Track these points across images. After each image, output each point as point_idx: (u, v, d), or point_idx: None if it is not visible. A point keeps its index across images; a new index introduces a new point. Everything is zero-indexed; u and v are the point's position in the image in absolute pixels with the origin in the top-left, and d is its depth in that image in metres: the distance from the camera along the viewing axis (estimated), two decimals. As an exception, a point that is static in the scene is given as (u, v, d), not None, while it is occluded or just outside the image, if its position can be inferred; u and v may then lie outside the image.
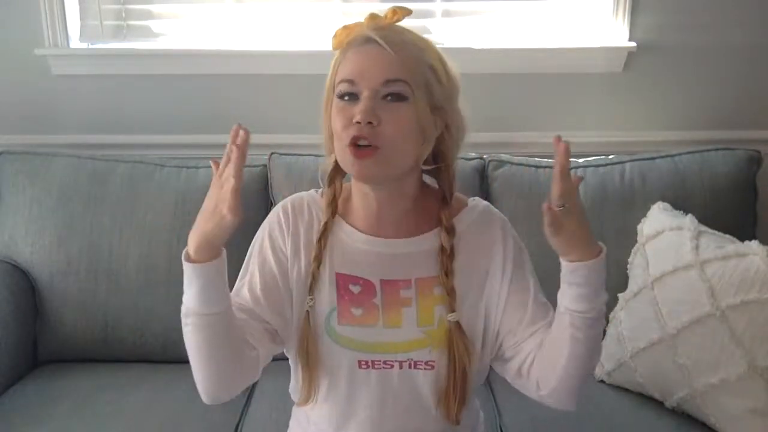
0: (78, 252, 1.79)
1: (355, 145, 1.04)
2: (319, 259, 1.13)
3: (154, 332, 1.78)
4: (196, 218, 1.04)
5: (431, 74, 1.08)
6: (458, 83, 1.13)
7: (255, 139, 2.17)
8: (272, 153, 1.86)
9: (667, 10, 1.99)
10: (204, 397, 1.10)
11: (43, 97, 2.10)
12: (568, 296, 1.05)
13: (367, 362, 1.14)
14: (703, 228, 1.61)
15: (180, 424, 1.54)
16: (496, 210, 1.21)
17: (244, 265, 1.19)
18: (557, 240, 1.03)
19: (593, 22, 2.04)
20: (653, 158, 1.83)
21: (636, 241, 1.70)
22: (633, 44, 1.99)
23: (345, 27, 1.12)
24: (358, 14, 2.09)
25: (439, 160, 1.14)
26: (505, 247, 1.16)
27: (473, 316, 1.14)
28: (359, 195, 1.15)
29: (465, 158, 1.82)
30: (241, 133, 1.01)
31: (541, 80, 2.05)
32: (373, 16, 1.11)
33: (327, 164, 1.15)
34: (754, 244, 1.49)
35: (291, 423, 1.28)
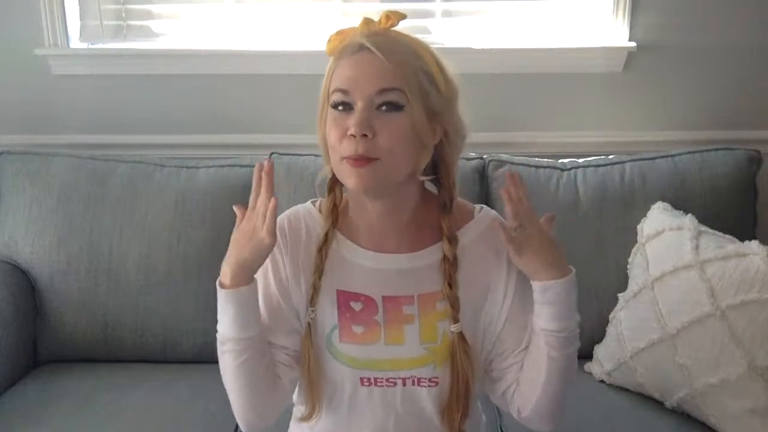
0: (78, 252, 1.79)
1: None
2: (320, 270, 1.11)
3: (154, 332, 1.78)
4: (229, 249, 1.07)
5: (427, 80, 1.05)
6: (457, 87, 1.10)
7: (255, 139, 2.20)
8: (272, 153, 1.86)
9: (667, 10, 1.99)
10: (241, 424, 1.14)
11: (43, 97, 2.10)
12: (541, 317, 1.09)
13: (369, 380, 1.13)
14: (703, 228, 1.61)
15: (180, 424, 1.54)
16: (503, 222, 1.17)
17: None
18: (521, 261, 1.09)
19: (593, 22, 2.04)
20: (653, 158, 1.82)
21: (636, 241, 1.69)
22: (633, 44, 1.99)
23: (339, 32, 1.10)
24: (358, 14, 2.10)
25: (439, 167, 1.12)
26: (509, 267, 1.13)
27: (470, 331, 1.13)
28: (358, 208, 1.12)
29: (465, 158, 1.82)
30: (266, 163, 1.05)
31: (541, 80, 2.05)
32: (367, 21, 1.08)
33: (325, 171, 1.13)
34: (754, 244, 1.49)
35: (291, 424, 1.28)
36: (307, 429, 1.20)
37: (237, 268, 1.05)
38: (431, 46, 1.10)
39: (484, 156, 1.86)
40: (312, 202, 1.18)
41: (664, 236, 1.63)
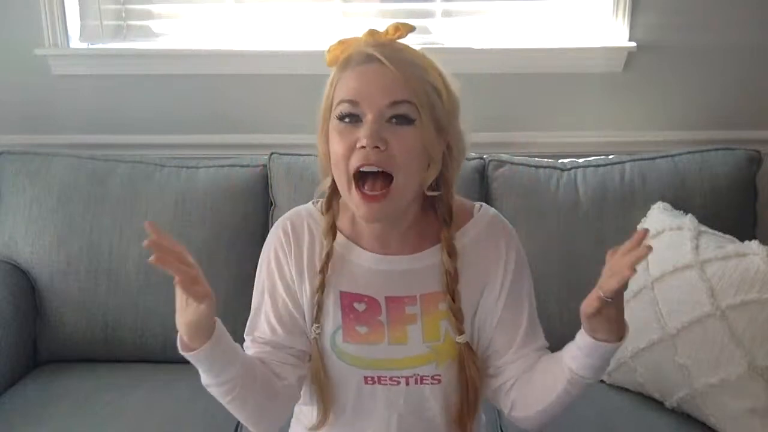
0: (78, 252, 1.79)
1: (363, 187, 1.01)
2: (322, 289, 1.11)
3: (154, 332, 1.78)
4: (176, 314, 1.00)
5: (435, 94, 1.04)
6: (458, 100, 1.09)
7: (255, 139, 2.20)
8: (272, 153, 1.86)
9: (667, 10, 1.99)
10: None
11: (43, 97, 2.10)
12: (577, 362, 1.05)
13: (373, 378, 1.13)
14: (703, 228, 1.61)
15: (180, 424, 1.54)
16: (502, 221, 1.18)
17: (255, 290, 1.17)
18: (591, 321, 1.01)
19: (593, 22, 2.04)
20: (653, 158, 1.82)
21: (636, 241, 1.69)
22: (633, 44, 1.99)
23: (341, 42, 1.08)
24: (358, 14, 2.11)
25: (438, 182, 1.09)
26: (507, 262, 1.13)
27: (468, 330, 1.13)
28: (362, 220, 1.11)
29: (465, 158, 1.81)
30: (147, 227, 0.96)
31: (541, 80, 2.05)
32: (372, 32, 1.06)
33: (324, 185, 1.12)
34: (754, 244, 1.49)
35: (291, 423, 1.28)
36: (308, 426, 1.20)
37: (188, 330, 0.99)
38: (433, 59, 1.08)
39: (484, 156, 1.86)
40: (313, 203, 1.18)
41: (664, 236, 1.63)
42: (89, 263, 1.78)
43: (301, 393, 1.17)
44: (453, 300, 1.10)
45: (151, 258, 0.91)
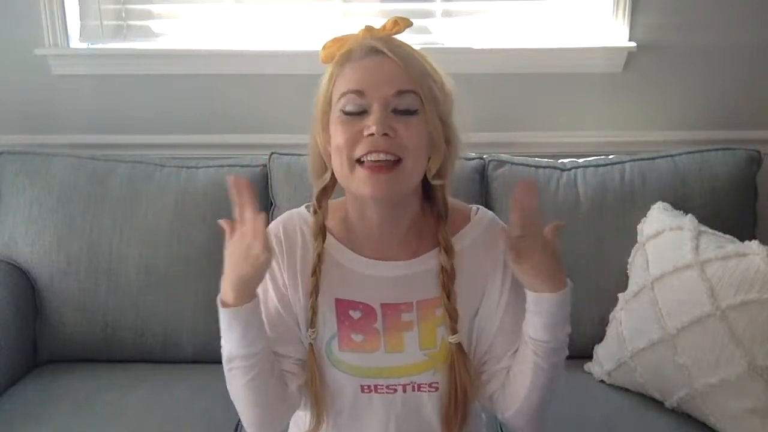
0: (78, 252, 1.79)
1: (366, 162, 1.00)
2: (316, 292, 1.10)
3: (154, 332, 1.78)
4: (226, 267, 1.01)
5: (435, 87, 1.05)
6: (452, 98, 1.09)
7: (255, 139, 2.19)
8: (272, 153, 1.86)
9: (667, 10, 1.99)
10: None
11: (43, 97, 2.10)
12: (531, 325, 1.07)
13: (369, 386, 1.13)
14: (703, 228, 1.61)
15: (180, 424, 1.54)
16: (500, 224, 1.17)
17: None
18: (518, 269, 1.05)
19: (593, 22, 2.04)
20: (653, 158, 1.82)
21: (636, 241, 1.70)
22: (633, 44, 1.99)
23: (336, 39, 1.07)
24: (358, 14, 2.11)
25: (441, 177, 1.09)
26: (505, 268, 1.12)
27: (466, 334, 1.13)
28: (357, 216, 1.10)
29: (465, 158, 1.82)
30: (233, 179, 0.99)
31: (541, 80, 2.05)
32: (369, 29, 1.07)
33: (318, 184, 1.10)
34: (754, 244, 1.49)
35: (290, 426, 1.27)
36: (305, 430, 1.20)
37: (239, 285, 1.01)
38: (429, 57, 1.08)
39: (484, 156, 1.86)
40: (306, 207, 1.17)
41: (664, 236, 1.63)
42: (89, 263, 1.78)
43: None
44: (448, 298, 1.09)
45: (231, 177, 0.97)
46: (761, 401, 1.43)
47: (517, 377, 1.11)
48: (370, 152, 1.00)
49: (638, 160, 1.82)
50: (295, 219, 1.15)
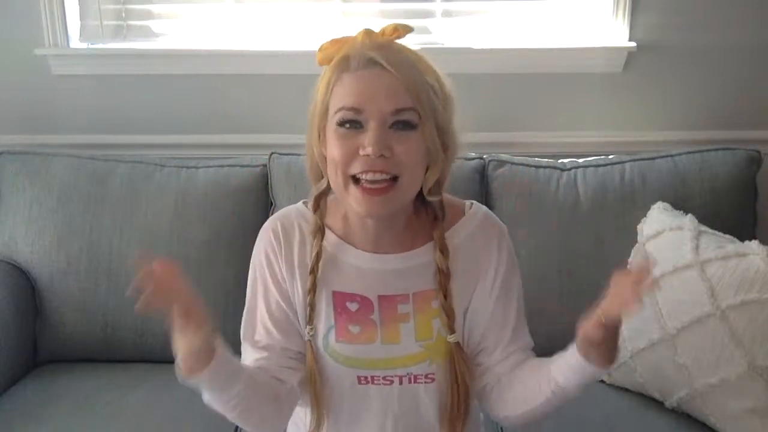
0: (78, 252, 1.79)
1: (362, 182, 1.00)
2: (314, 290, 1.10)
3: (154, 332, 1.78)
4: (173, 344, 1.00)
5: (435, 97, 1.03)
6: (453, 101, 1.08)
7: (255, 139, 2.19)
8: (272, 153, 1.86)
9: (667, 10, 1.99)
10: None
11: (43, 97, 2.10)
12: (564, 377, 1.06)
13: (366, 378, 1.13)
14: (703, 228, 1.61)
15: (180, 424, 1.54)
16: (494, 218, 1.17)
17: (248, 293, 1.17)
18: (583, 342, 1.01)
19: (593, 22, 2.04)
20: (653, 158, 1.82)
21: (636, 241, 1.70)
22: (633, 44, 1.99)
23: (334, 41, 1.05)
24: (358, 14, 2.10)
25: (437, 184, 1.08)
26: (499, 260, 1.13)
27: (459, 328, 1.13)
28: (355, 218, 1.10)
29: (465, 158, 1.82)
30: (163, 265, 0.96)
31: (541, 80, 2.05)
32: (368, 32, 1.04)
33: (316, 189, 1.10)
34: (754, 244, 1.49)
35: (288, 424, 1.27)
36: (304, 430, 1.20)
37: (190, 359, 0.99)
38: (428, 58, 1.06)
39: (484, 156, 1.86)
40: (303, 203, 1.17)
41: (664, 236, 1.63)
42: (89, 263, 1.78)
43: None
44: (445, 298, 1.10)
45: (137, 306, 0.90)
46: (761, 401, 1.43)
47: (523, 396, 1.12)
48: (366, 171, 1.00)
49: (638, 160, 1.82)
50: (292, 215, 1.16)
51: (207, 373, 0.99)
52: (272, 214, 1.79)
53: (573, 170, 1.82)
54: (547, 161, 1.86)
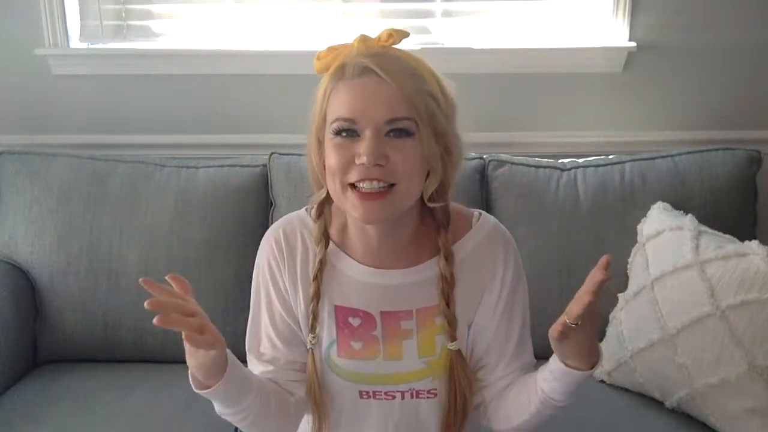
0: (78, 252, 1.79)
1: (359, 187, 0.99)
2: (317, 298, 1.09)
3: (154, 332, 1.78)
4: (186, 356, 0.99)
5: (433, 103, 1.01)
6: (455, 103, 1.06)
7: (255, 139, 2.20)
8: (272, 153, 1.86)
9: (667, 10, 1.99)
10: None
11: (43, 97, 2.10)
12: (549, 387, 1.06)
13: (368, 392, 1.13)
14: (703, 228, 1.61)
15: (180, 424, 1.54)
16: (502, 230, 1.15)
17: (252, 304, 1.16)
18: (559, 346, 1.02)
19: (593, 22, 2.04)
20: (653, 158, 1.82)
21: (636, 241, 1.69)
22: (633, 44, 1.99)
23: (330, 49, 1.05)
24: (358, 14, 2.10)
25: (439, 187, 1.07)
26: (505, 273, 1.12)
27: (462, 341, 1.13)
28: (356, 228, 1.09)
29: (465, 158, 1.81)
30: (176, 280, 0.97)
31: (541, 80, 2.05)
32: (363, 39, 1.03)
33: (319, 195, 1.09)
34: (754, 244, 1.49)
35: None
36: None
37: (202, 373, 0.98)
38: (427, 61, 1.05)
39: (484, 156, 1.86)
40: (306, 210, 1.16)
41: (664, 236, 1.63)
42: (89, 263, 1.78)
43: None
44: (447, 305, 1.09)
45: (156, 319, 0.88)
46: (761, 401, 1.43)
47: (514, 408, 1.12)
48: (362, 180, 0.99)
49: (638, 160, 1.82)
50: (295, 223, 1.14)
51: (218, 387, 0.99)
52: (272, 214, 1.82)
53: (573, 170, 1.82)
54: (547, 161, 1.86)
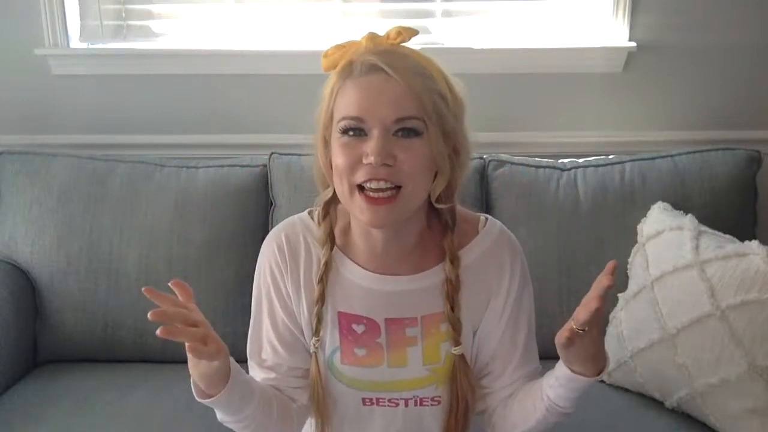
0: (78, 252, 1.79)
1: (367, 190, 0.97)
2: (322, 300, 1.08)
3: (153, 332, 1.76)
4: (189, 366, 0.99)
5: (442, 102, 1.00)
6: (464, 103, 1.05)
7: (255, 139, 2.20)
8: (272, 153, 1.86)
9: (667, 10, 1.99)
10: None
11: (43, 97, 2.10)
12: (554, 391, 1.05)
13: (371, 399, 1.12)
14: (703, 228, 1.61)
15: (180, 425, 1.54)
16: (508, 236, 1.14)
17: (253, 309, 1.15)
18: (565, 352, 1.01)
19: (593, 22, 2.04)
20: (653, 158, 1.82)
21: (636, 241, 1.69)
22: (633, 44, 1.99)
23: (338, 46, 1.03)
24: (358, 14, 2.10)
25: (448, 191, 1.05)
26: (511, 279, 1.11)
27: (467, 347, 1.12)
28: (360, 231, 1.08)
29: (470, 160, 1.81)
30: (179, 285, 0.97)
31: (541, 80, 2.05)
32: (372, 36, 1.01)
33: (325, 195, 1.08)
34: (754, 244, 1.49)
35: None
36: None
37: (205, 382, 0.98)
38: (436, 61, 1.04)
39: (484, 156, 1.86)
40: (309, 213, 1.15)
41: (664, 236, 1.63)
42: (89, 263, 1.78)
43: None
44: (452, 309, 1.08)
45: (159, 330, 0.89)
46: (761, 401, 1.43)
47: (519, 415, 1.11)
48: (369, 180, 0.97)
49: (638, 160, 1.82)
50: (297, 227, 1.13)
51: (221, 396, 0.99)
52: (272, 214, 1.82)
53: (573, 170, 1.82)
54: (547, 161, 1.86)
